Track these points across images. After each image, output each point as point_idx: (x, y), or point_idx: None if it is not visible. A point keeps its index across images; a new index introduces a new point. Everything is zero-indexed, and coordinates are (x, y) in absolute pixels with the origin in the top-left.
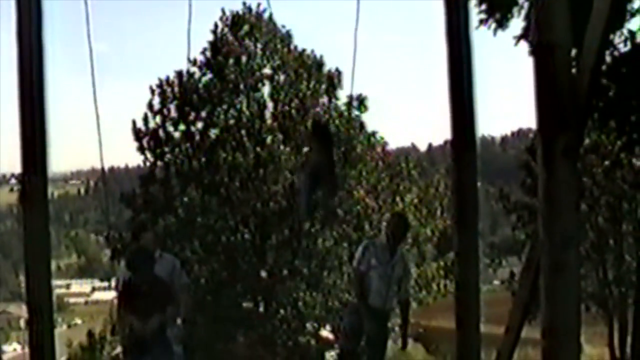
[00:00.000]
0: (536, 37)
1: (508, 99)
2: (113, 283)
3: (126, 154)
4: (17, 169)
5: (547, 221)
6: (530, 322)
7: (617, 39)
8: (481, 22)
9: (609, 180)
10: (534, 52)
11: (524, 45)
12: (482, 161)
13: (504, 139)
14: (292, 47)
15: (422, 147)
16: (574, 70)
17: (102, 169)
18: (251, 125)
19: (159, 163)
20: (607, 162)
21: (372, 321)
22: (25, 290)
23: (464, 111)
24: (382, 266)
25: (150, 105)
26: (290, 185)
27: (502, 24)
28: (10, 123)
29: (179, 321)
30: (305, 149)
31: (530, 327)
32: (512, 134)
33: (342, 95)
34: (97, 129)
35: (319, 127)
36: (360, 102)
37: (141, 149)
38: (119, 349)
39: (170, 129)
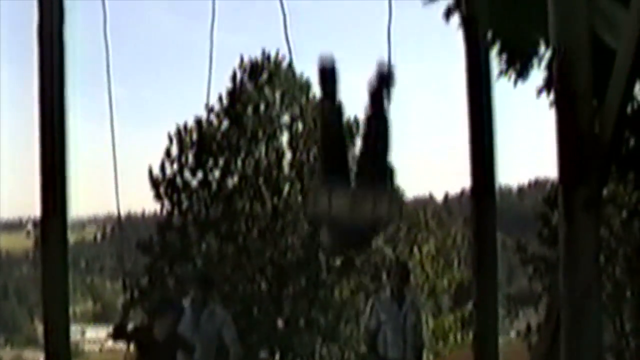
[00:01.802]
0: (558, 87)
1: (524, 149)
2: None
3: (143, 201)
4: (34, 212)
5: (567, 272)
6: None
7: (638, 89)
8: (501, 72)
9: (627, 231)
10: (555, 102)
11: (543, 96)
12: (499, 211)
13: (520, 188)
14: (311, 95)
15: (439, 197)
16: (596, 122)
17: (119, 215)
18: (269, 174)
19: (176, 211)
20: (624, 213)
21: None
22: (42, 335)
23: (484, 159)
24: (392, 320)
25: (167, 153)
26: (308, 236)
27: (522, 74)
28: (29, 167)
29: None
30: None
31: None
32: (529, 184)
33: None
34: (115, 175)
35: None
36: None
37: (158, 196)
38: None
39: (188, 176)
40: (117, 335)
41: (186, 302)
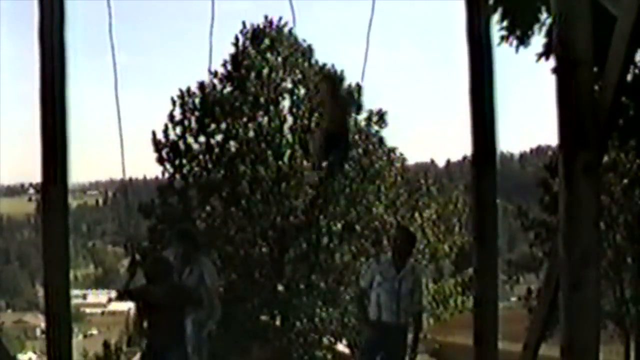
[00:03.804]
0: (558, 54)
1: (527, 116)
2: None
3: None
4: (36, 178)
5: (567, 238)
6: (548, 340)
7: (639, 56)
8: (502, 38)
9: (628, 199)
10: (556, 69)
11: (544, 63)
12: (501, 178)
13: (522, 155)
14: (312, 61)
15: (441, 163)
16: (596, 88)
17: (123, 180)
18: (271, 139)
19: (178, 175)
20: (625, 181)
21: (388, 337)
22: (43, 299)
23: (485, 126)
24: (387, 282)
25: (171, 117)
26: (310, 200)
27: (523, 41)
28: (30, 132)
29: (211, 325)
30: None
31: (547, 344)
32: (531, 150)
33: (362, 110)
34: (120, 141)
35: (331, 83)
36: (380, 117)
37: (160, 160)
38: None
39: (190, 140)
40: (122, 296)
41: (169, 255)
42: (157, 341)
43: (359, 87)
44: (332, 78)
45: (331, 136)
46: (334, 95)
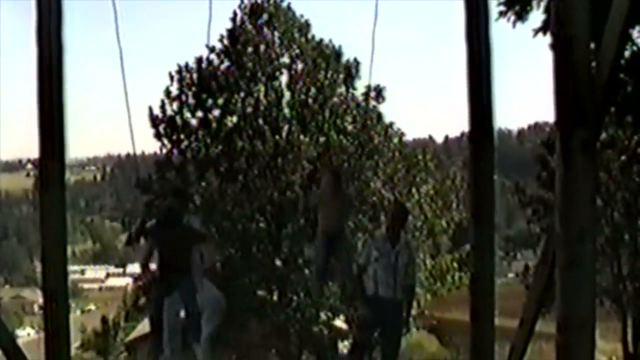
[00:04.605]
0: (555, 30)
1: (525, 92)
2: (128, 268)
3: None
4: (34, 154)
5: (563, 215)
6: (545, 316)
7: (636, 33)
8: (500, 14)
9: (625, 176)
10: (553, 45)
11: (541, 39)
12: (499, 154)
13: (520, 132)
14: (310, 36)
15: (439, 139)
16: (593, 64)
17: (135, 154)
18: (269, 114)
19: (175, 150)
20: (623, 157)
21: (385, 312)
22: (40, 275)
23: (482, 103)
24: (384, 257)
25: (167, 92)
26: (308, 175)
27: (521, 16)
28: (28, 109)
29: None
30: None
31: (544, 320)
32: (529, 127)
33: (360, 86)
34: (128, 117)
35: (335, 177)
36: (378, 92)
37: (158, 136)
38: (132, 335)
39: (187, 115)
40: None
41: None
42: (168, 274)
43: (356, 63)
44: (337, 172)
45: (330, 239)
46: (337, 191)
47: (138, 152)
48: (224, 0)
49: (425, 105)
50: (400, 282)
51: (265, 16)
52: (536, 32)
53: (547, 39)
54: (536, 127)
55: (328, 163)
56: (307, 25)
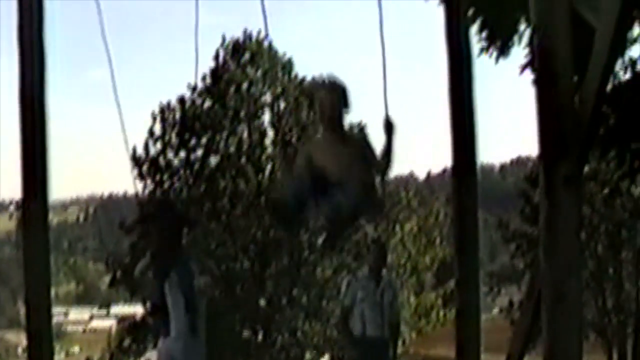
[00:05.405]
0: (539, 65)
1: (507, 127)
2: (112, 310)
3: (125, 181)
4: (16, 194)
5: (548, 250)
6: (530, 351)
7: (618, 66)
8: (482, 50)
9: (609, 208)
10: (536, 80)
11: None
12: (481, 189)
13: (502, 167)
14: (292, 74)
15: (421, 175)
16: (576, 98)
17: (137, 194)
18: (252, 153)
19: (158, 190)
20: (606, 190)
21: (373, 353)
22: (24, 317)
23: (465, 138)
24: (370, 296)
25: (151, 132)
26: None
27: (503, 51)
28: (11, 149)
29: None
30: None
31: (530, 356)
32: (511, 162)
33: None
34: (129, 155)
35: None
36: (360, 130)
37: (141, 176)
38: None
39: (171, 155)
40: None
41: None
42: (162, 260)
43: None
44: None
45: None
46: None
47: (121, 192)
48: (206, 39)
49: (406, 140)
50: (387, 320)
51: (247, 55)
52: (522, 68)
53: (528, 73)
54: (518, 161)
55: None
56: (289, 63)
